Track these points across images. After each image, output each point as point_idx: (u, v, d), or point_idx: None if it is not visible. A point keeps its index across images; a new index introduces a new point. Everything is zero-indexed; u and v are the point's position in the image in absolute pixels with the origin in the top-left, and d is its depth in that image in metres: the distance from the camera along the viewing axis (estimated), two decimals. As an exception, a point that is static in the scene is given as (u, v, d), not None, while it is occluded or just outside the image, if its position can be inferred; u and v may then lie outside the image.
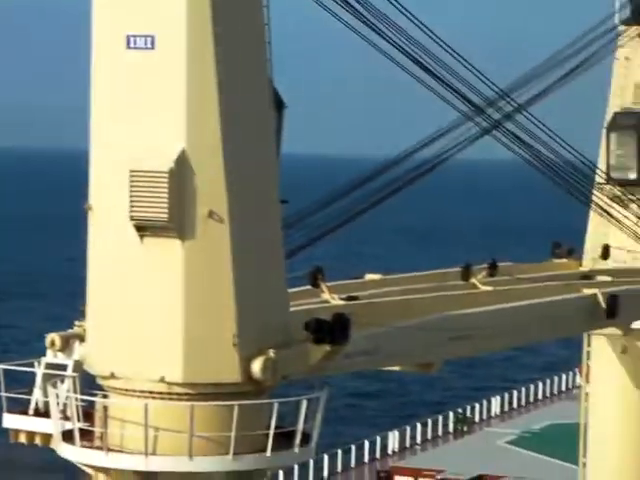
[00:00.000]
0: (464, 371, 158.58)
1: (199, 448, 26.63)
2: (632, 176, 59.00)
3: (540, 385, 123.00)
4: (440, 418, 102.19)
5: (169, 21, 25.78)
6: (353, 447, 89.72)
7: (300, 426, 27.01)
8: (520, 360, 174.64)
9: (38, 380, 29.23)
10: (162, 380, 26.37)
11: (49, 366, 29.31)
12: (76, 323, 30.00)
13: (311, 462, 71.84)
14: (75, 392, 27.16)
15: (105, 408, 26.76)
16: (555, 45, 52.80)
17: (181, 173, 25.37)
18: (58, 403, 27.54)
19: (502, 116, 42.54)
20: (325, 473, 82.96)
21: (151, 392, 26.35)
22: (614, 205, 56.54)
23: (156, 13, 25.97)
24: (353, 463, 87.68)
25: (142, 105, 26.34)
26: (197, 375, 26.98)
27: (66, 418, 27.66)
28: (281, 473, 78.37)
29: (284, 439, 27.66)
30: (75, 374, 28.15)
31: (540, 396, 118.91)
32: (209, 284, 26.29)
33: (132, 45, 25.71)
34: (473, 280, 41.94)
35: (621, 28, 58.32)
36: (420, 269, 45.93)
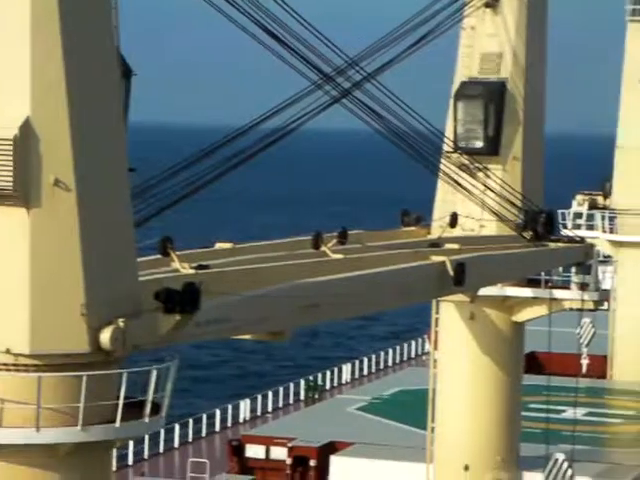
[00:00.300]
0: (309, 341, 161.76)
1: (47, 420, 26.32)
2: (478, 145, 60.35)
3: (390, 352, 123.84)
4: (291, 386, 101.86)
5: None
6: (204, 416, 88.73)
7: (150, 396, 26.88)
8: (367, 330, 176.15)
9: None
10: (8, 351, 25.92)
11: None
12: None
13: (162, 432, 72.07)
14: None
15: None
16: (406, 14, 54.21)
17: (26, 141, 25.20)
18: None
19: (351, 85, 43.51)
20: (176, 443, 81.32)
21: (-3, 363, 29.76)
22: (462, 174, 57.05)
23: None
24: (204, 432, 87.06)
25: None
26: (44, 346, 26.58)
27: None
28: (131, 444, 75.38)
29: (134, 410, 27.30)
30: None
31: (390, 363, 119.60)
32: (56, 253, 26.00)
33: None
34: (324, 248, 41.98)
35: (467, -3, 65.55)
36: (272, 238, 45.85)
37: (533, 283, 61.63)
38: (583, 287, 60.20)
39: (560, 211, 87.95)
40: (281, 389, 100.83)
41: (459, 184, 55.62)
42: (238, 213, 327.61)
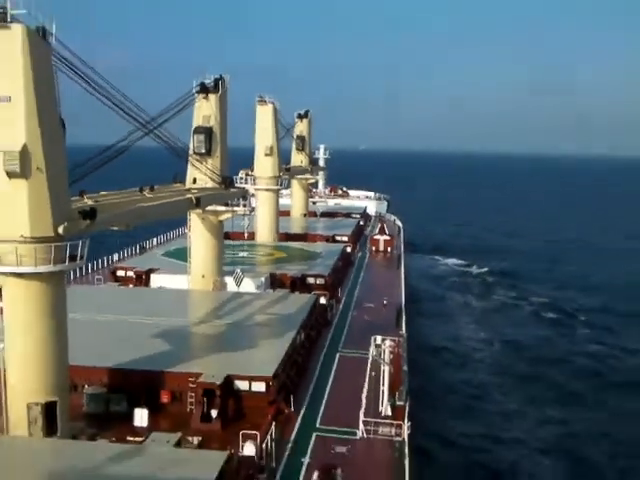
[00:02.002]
0: None
1: (39, 263, 40.35)
2: (203, 151, 77.03)
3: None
4: None
5: (17, 90, 38.54)
6: None
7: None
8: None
9: None
10: (22, 236, 39.37)
11: None
12: None
13: None
14: None
15: None
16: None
17: (25, 152, 38.39)
18: None
19: (150, 130, 59.32)
20: None
21: None
22: (197, 162, 75.37)
23: (10, 87, 38.52)
24: None
25: (8, 126, 38.78)
26: (36, 232, 40.00)
27: None
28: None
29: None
30: None
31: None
32: (38, 195, 39.84)
33: (3, 101, 38.59)
34: (144, 192, 59.78)
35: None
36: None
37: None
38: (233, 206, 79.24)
39: (236, 176, 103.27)
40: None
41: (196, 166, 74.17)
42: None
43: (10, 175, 38.97)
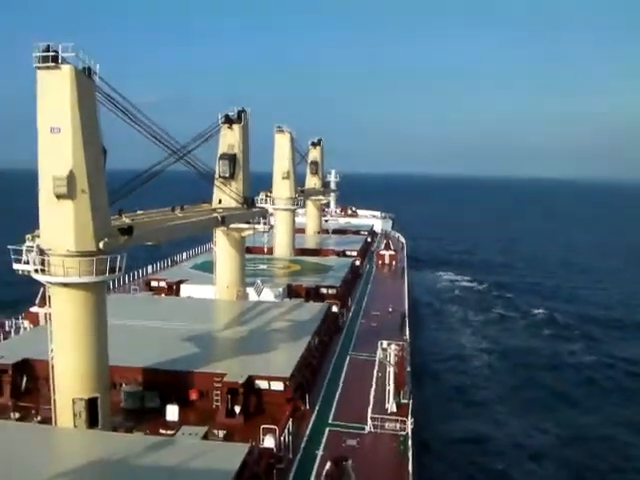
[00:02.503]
0: None
1: (82, 274, 41.64)
2: (228, 174, 76.94)
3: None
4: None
5: (65, 123, 39.35)
6: None
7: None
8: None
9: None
10: (68, 250, 40.87)
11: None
12: None
13: None
14: None
15: None
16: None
17: (72, 177, 39.47)
18: None
19: (181, 156, 59.32)
20: None
21: None
22: (224, 186, 74.91)
23: (60, 120, 39.41)
24: None
25: (57, 154, 39.76)
26: (81, 247, 41.31)
27: None
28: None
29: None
30: None
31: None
32: (84, 216, 41.17)
33: (54, 132, 39.69)
34: (176, 211, 61.86)
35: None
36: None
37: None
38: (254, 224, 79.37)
39: (257, 197, 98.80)
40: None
41: (221, 188, 74.51)
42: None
43: (58, 197, 39.86)
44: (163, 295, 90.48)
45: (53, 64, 38.78)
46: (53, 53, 38.69)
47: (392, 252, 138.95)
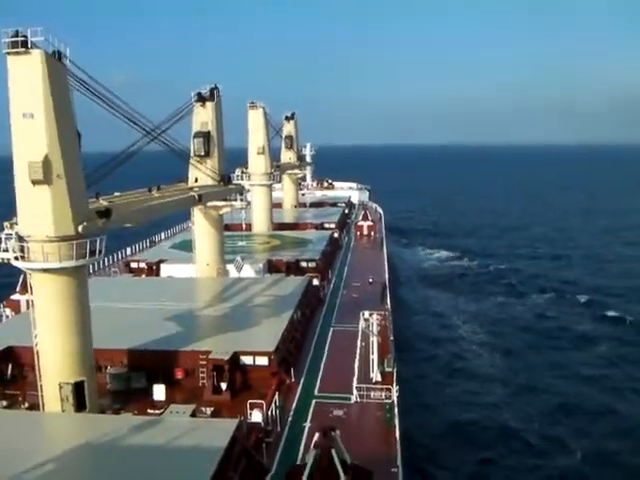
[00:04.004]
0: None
1: (63, 259, 41.25)
2: (203, 153, 77.47)
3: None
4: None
5: (38, 108, 38.82)
6: None
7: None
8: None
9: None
10: (47, 236, 40.29)
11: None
12: None
13: None
14: None
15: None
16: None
17: (47, 161, 38.93)
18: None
19: (155, 136, 58.94)
20: None
21: None
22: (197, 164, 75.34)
23: (33, 106, 38.86)
24: None
25: (32, 140, 39.16)
26: (60, 231, 41.06)
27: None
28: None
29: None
30: None
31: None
32: (61, 198, 40.40)
33: (26, 117, 39.10)
34: (152, 191, 62.64)
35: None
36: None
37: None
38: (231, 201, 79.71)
39: (232, 174, 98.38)
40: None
41: (197, 166, 74.69)
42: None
43: (34, 182, 39.50)
44: (143, 276, 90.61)
45: (23, 49, 38.29)
46: (22, 38, 38.16)
47: (370, 223, 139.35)
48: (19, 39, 38.25)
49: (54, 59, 39.57)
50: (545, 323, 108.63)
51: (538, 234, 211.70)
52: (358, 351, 54.37)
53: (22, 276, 58.56)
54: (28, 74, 38.54)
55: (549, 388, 79.89)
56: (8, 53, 38.71)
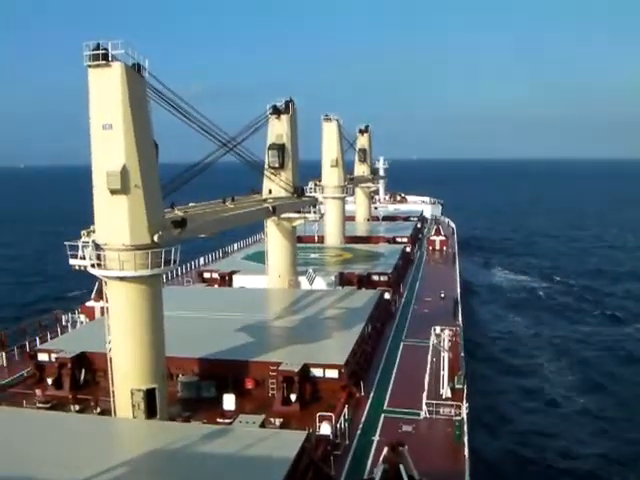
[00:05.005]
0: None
1: (138, 268, 41.82)
2: (277, 165, 78.21)
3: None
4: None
5: (117, 119, 39.57)
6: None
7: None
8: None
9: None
10: (123, 244, 41.24)
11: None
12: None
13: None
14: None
15: None
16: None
17: (125, 171, 39.50)
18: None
19: (231, 147, 59.14)
20: None
21: None
22: (271, 175, 76.30)
23: (112, 117, 39.53)
24: None
25: (110, 151, 39.92)
26: (136, 240, 41.20)
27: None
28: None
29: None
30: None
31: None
32: (139, 208, 40.93)
33: (106, 128, 39.92)
34: (227, 203, 63.73)
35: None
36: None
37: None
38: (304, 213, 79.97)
39: (306, 186, 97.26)
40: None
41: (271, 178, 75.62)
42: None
43: (112, 192, 40.09)
44: (216, 286, 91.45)
45: (104, 62, 39.07)
46: (103, 51, 38.90)
47: (443, 237, 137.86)
48: (100, 52, 39.21)
49: (133, 71, 40.29)
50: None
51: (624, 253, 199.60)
52: (428, 366, 53.44)
53: (97, 283, 59.84)
54: (108, 86, 39.28)
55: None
56: (89, 66, 39.49)
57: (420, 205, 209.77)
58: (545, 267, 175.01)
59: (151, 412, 43.31)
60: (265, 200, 73.57)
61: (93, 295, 71.63)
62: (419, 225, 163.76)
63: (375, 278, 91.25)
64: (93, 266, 41.42)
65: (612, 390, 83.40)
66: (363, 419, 48.05)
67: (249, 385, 51.92)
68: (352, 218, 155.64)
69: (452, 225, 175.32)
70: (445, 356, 52.12)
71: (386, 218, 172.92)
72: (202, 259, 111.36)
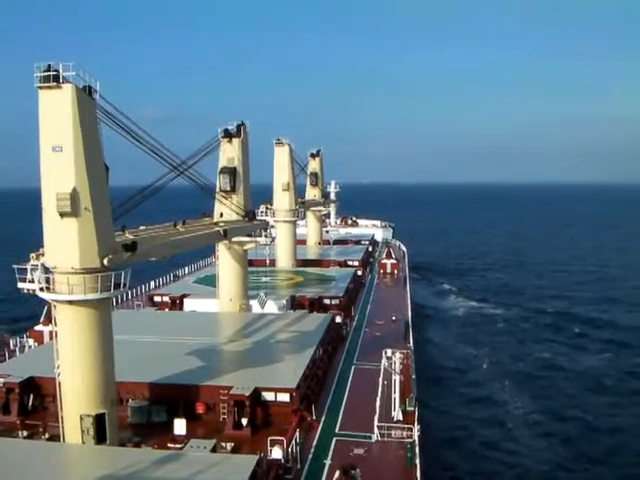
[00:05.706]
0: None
1: (87, 291, 41.18)
2: (228, 188, 77.51)
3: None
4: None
5: (67, 141, 39.23)
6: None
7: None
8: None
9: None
10: (72, 267, 40.77)
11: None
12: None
13: None
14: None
15: None
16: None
17: (75, 194, 39.25)
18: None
19: (181, 171, 59.63)
20: None
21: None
22: (224, 199, 75.91)
23: (62, 139, 39.21)
24: None
25: (60, 173, 39.58)
26: (84, 264, 41.23)
27: None
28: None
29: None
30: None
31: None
32: (88, 232, 40.80)
33: (56, 150, 39.48)
34: (178, 226, 60.70)
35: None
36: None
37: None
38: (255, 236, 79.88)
39: (257, 210, 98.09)
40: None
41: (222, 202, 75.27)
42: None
43: (62, 215, 39.84)
44: (166, 310, 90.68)
45: (54, 83, 38.79)
46: (54, 72, 38.66)
47: (394, 261, 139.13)
48: (51, 73, 39.19)
49: (84, 94, 40.13)
50: (580, 367, 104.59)
51: (574, 270, 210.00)
52: (380, 389, 53.89)
53: (46, 307, 58.90)
54: (58, 108, 39.04)
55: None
56: (40, 87, 39.25)
57: (371, 229, 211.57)
58: (495, 290, 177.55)
59: (101, 438, 42.93)
60: (216, 224, 73.63)
61: (42, 319, 70.37)
62: (370, 248, 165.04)
63: (327, 302, 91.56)
64: (42, 290, 41.10)
65: (563, 410, 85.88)
66: (315, 443, 48.12)
67: (200, 409, 51.62)
68: (303, 242, 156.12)
69: (403, 248, 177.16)
70: (396, 379, 52.65)
71: (337, 242, 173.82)
72: (152, 282, 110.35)
